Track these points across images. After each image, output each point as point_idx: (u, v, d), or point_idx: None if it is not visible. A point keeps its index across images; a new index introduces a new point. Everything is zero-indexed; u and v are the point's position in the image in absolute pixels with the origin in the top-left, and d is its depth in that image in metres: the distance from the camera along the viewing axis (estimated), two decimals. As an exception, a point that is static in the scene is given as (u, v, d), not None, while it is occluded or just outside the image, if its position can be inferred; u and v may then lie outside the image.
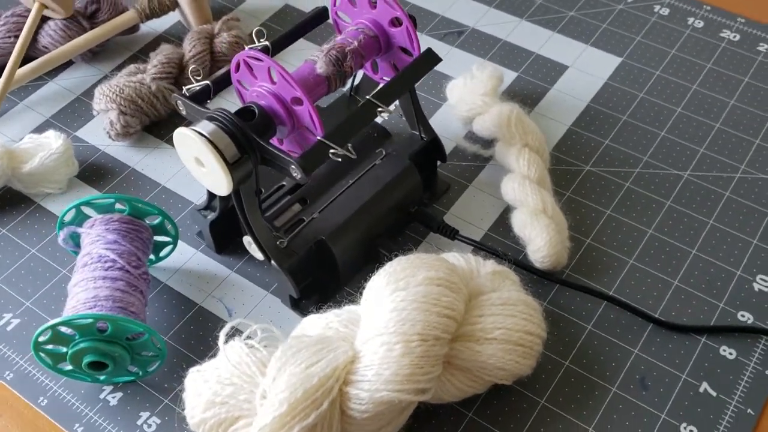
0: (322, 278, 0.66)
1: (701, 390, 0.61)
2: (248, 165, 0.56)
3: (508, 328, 0.57)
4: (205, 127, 0.56)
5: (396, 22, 0.62)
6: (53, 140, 0.74)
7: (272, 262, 0.63)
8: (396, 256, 0.58)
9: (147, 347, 0.59)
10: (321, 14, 0.68)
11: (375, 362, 0.52)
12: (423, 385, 0.53)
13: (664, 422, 0.60)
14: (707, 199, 0.73)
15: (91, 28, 0.85)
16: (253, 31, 0.66)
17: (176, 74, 0.81)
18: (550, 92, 0.83)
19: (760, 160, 0.76)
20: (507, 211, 0.72)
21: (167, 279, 0.68)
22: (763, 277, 0.68)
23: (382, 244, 0.67)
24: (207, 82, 0.61)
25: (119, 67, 0.85)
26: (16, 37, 0.81)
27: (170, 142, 0.79)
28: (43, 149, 0.74)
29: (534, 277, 0.67)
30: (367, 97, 0.59)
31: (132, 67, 0.81)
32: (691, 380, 0.62)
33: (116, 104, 0.76)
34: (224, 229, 0.68)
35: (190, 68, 0.77)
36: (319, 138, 0.56)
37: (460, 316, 0.56)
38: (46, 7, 0.81)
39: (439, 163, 0.73)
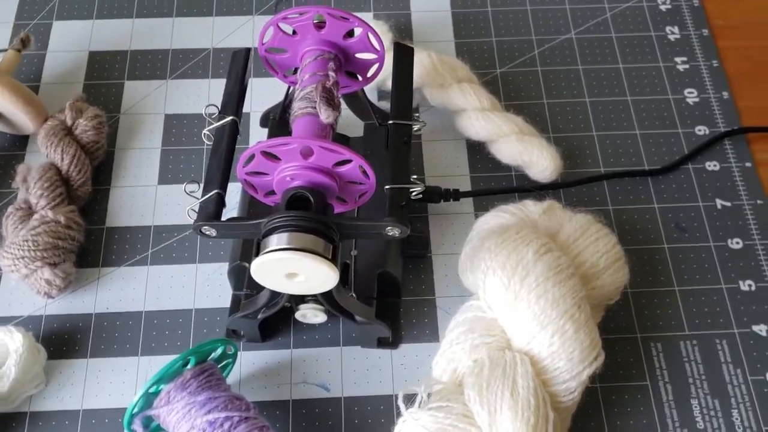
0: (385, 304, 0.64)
1: (719, 206, 0.71)
2: (338, 249, 0.51)
3: (605, 251, 0.60)
4: (288, 240, 0.49)
5: (351, 32, 0.58)
6: (11, 340, 0.60)
7: (357, 319, 0.59)
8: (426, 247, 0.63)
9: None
10: (245, 57, 0.60)
11: (558, 352, 0.54)
12: (600, 344, 0.56)
13: (716, 247, 0.69)
14: (605, 48, 0.80)
15: None
16: (204, 110, 0.58)
17: (64, 191, 0.67)
18: (413, 17, 0.83)
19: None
20: (473, 146, 0.73)
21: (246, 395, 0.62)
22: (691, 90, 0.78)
23: (411, 246, 0.66)
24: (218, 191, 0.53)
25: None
26: None
27: (112, 263, 0.67)
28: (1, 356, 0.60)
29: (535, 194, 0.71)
30: (391, 122, 0.56)
31: (10, 210, 0.66)
32: (708, 203, 0.71)
33: (40, 260, 0.63)
34: (269, 318, 0.62)
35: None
36: (390, 187, 0.53)
37: (573, 267, 0.58)
38: None
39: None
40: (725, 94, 0.78)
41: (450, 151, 0.74)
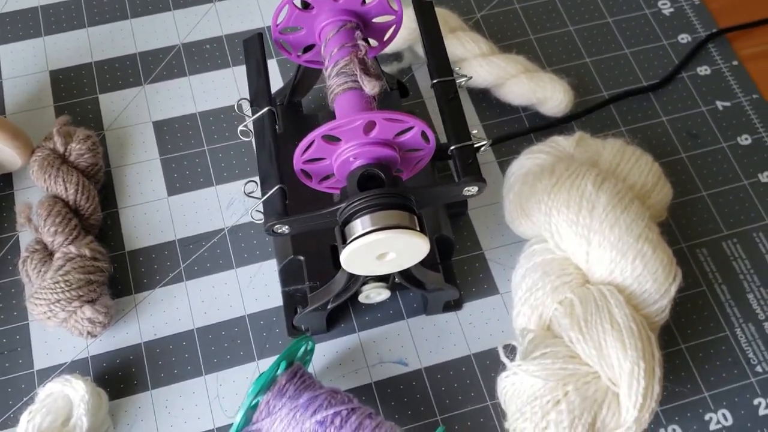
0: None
1: (720, 108, 0.74)
2: (422, 218, 0.50)
3: (648, 170, 0.61)
4: (374, 221, 0.47)
5: (368, -4, 0.55)
6: (72, 390, 0.56)
7: (428, 287, 0.58)
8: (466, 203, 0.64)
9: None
10: (259, 43, 0.57)
11: (644, 274, 0.54)
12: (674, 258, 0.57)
13: (728, 147, 0.71)
14: (574, -25, 0.81)
15: None
16: (237, 105, 0.55)
17: (77, 221, 0.63)
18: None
19: None
20: (476, 95, 0.73)
21: (326, 391, 0.60)
22: None
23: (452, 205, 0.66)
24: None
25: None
26: None
27: (145, 287, 0.64)
28: (63, 409, 0.55)
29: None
30: (435, 80, 0.54)
31: (24, 254, 0.61)
32: (709, 107, 0.74)
33: (77, 299, 0.58)
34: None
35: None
36: (456, 146, 0.51)
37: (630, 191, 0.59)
38: None
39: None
40: (696, 0, 0.80)
41: (456, 104, 0.73)
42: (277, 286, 0.64)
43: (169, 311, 0.63)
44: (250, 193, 0.52)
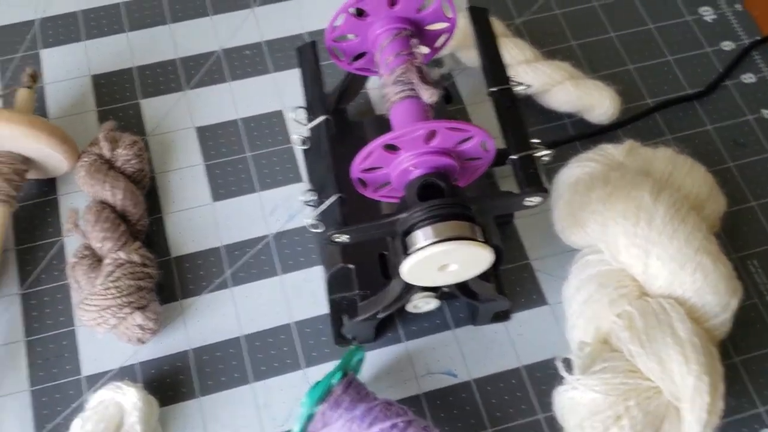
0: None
1: (766, 116, 0.73)
2: (485, 227, 0.49)
3: (701, 180, 0.61)
4: (437, 232, 0.47)
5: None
6: (124, 397, 0.55)
7: (480, 297, 0.58)
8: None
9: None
10: (312, 52, 0.57)
11: (704, 287, 0.54)
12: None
13: (775, 157, 0.71)
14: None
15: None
16: (292, 115, 0.54)
17: (125, 227, 0.62)
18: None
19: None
20: (522, 101, 0.72)
21: (374, 401, 0.59)
22: None
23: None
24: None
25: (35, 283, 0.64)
26: None
27: (191, 293, 0.63)
28: (115, 416, 0.55)
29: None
30: (492, 89, 0.54)
31: (73, 260, 0.61)
32: (755, 115, 0.73)
33: (128, 306, 0.58)
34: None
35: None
36: (518, 156, 0.51)
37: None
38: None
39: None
40: (738, 7, 0.79)
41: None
42: (323, 294, 0.64)
43: (216, 318, 0.63)
44: (307, 201, 0.51)
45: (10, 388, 0.60)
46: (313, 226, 0.50)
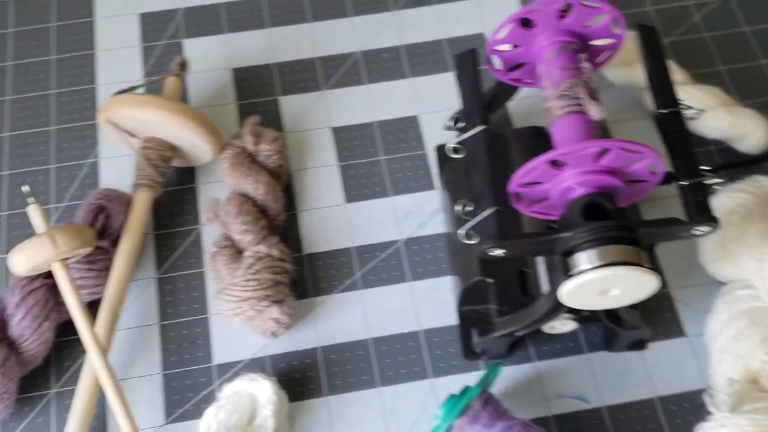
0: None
1: None
2: (652, 253, 0.48)
3: None
4: (603, 256, 0.45)
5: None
6: (258, 389, 0.56)
7: (623, 324, 0.56)
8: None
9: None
10: (473, 59, 0.56)
11: None
12: None
13: None
14: (768, 7, 0.77)
15: (114, 245, 0.61)
16: (449, 123, 0.54)
17: (265, 221, 0.63)
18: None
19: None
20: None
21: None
22: None
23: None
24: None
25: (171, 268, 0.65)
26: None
27: (322, 291, 0.64)
28: (248, 407, 0.55)
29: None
30: (661, 111, 0.52)
31: (214, 249, 0.62)
32: None
33: (266, 299, 0.59)
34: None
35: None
36: (689, 182, 0.49)
37: None
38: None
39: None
40: None
41: (640, 132, 0.70)
42: (452, 304, 0.63)
43: (345, 318, 0.63)
44: (462, 211, 0.51)
45: (143, 370, 0.61)
46: (467, 237, 0.50)
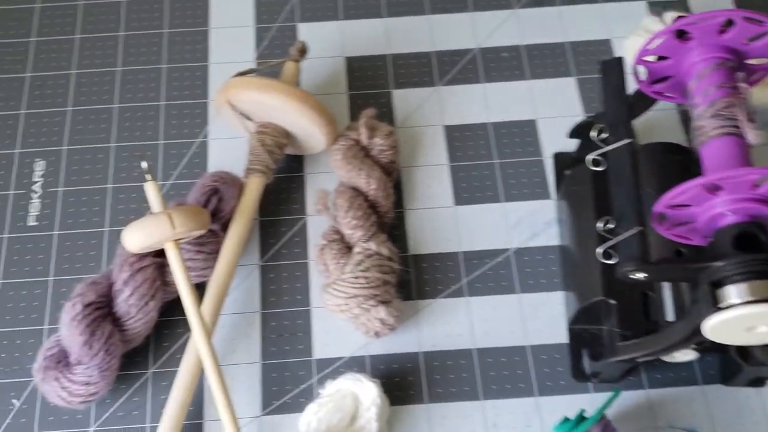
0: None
1: None
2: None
3: None
4: (756, 290, 0.43)
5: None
6: (362, 391, 0.54)
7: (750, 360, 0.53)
8: None
9: None
10: (619, 68, 0.53)
11: None
12: None
13: None
14: None
15: (223, 228, 0.61)
16: (594, 134, 0.51)
17: (375, 217, 0.61)
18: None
19: None
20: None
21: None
22: None
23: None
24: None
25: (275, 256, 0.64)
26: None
27: (427, 294, 0.62)
28: (350, 407, 0.54)
29: None
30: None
31: (323, 242, 0.60)
32: None
33: (373, 298, 0.57)
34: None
35: None
36: None
37: None
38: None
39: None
40: None
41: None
42: (562, 321, 0.61)
43: (449, 324, 0.61)
44: (603, 229, 0.48)
45: (243, 358, 0.60)
46: (605, 256, 0.47)
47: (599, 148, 0.60)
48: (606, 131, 0.51)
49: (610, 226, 0.48)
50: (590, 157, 0.51)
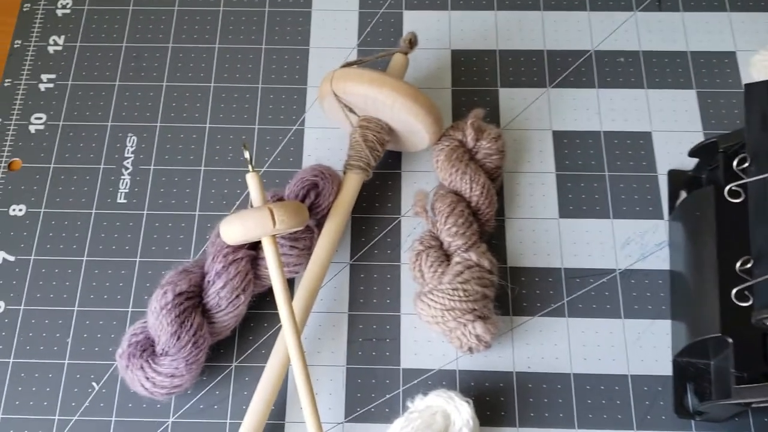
0: None
1: None
2: None
3: None
4: None
5: None
6: (455, 410, 0.52)
7: None
8: None
9: None
10: (766, 93, 0.49)
11: None
12: None
13: None
14: None
15: (318, 224, 0.58)
16: (735, 164, 0.47)
17: (476, 226, 0.58)
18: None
19: None
20: None
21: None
22: None
23: None
24: None
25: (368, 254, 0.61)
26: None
27: (524, 311, 0.58)
28: (440, 426, 0.51)
29: None
30: None
31: (419, 247, 0.58)
32: None
33: (471, 313, 0.54)
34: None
35: None
36: None
37: None
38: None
39: None
40: None
41: None
42: (667, 351, 0.57)
43: (546, 345, 0.58)
44: (740, 268, 0.44)
45: (329, 359, 0.58)
46: (739, 297, 0.43)
47: (718, 169, 0.56)
48: (747, 161, 0.47)
49: (748, 266, 0.44)
50: (729, 187, 0.47)
